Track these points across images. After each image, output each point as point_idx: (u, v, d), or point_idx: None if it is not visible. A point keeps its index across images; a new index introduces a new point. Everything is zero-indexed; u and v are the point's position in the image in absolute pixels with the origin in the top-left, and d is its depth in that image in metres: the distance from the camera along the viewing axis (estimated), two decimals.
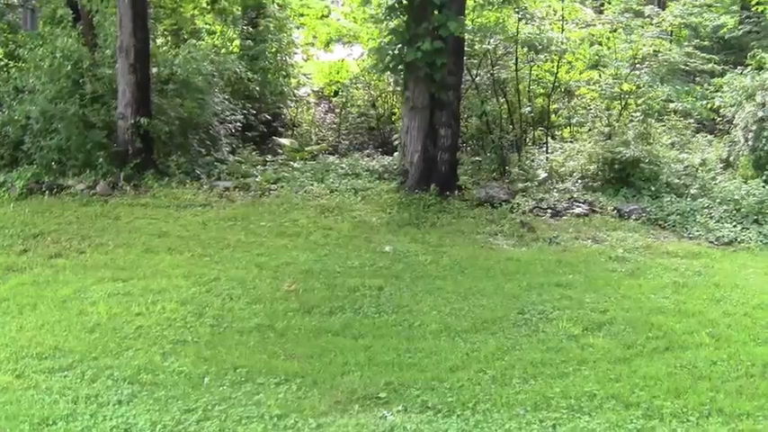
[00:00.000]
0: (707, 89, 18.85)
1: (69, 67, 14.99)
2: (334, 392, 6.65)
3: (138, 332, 7.92)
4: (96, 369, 6.98)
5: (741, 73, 17.37)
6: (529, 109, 17.94)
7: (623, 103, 17.19)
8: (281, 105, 22.10)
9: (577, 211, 14.01)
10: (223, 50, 19.50)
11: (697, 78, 20.53)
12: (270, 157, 18.19)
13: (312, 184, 15.23)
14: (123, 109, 14.95)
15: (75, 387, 6.63)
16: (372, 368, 7.17)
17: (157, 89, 16.13)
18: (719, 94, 17.77)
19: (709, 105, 17.89)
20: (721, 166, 16.70)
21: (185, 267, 10.09)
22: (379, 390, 6.70)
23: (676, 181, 15.13)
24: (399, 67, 15.24)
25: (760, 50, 17.69)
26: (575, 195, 14.81)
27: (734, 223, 13.38)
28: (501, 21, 17.16)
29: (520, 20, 16.86)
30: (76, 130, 14.61)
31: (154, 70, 15.96)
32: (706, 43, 21.30)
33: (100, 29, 16.00)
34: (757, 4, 20.38)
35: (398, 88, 18.93)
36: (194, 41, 18.75)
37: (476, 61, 17.56)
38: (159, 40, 19.62)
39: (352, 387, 6.73)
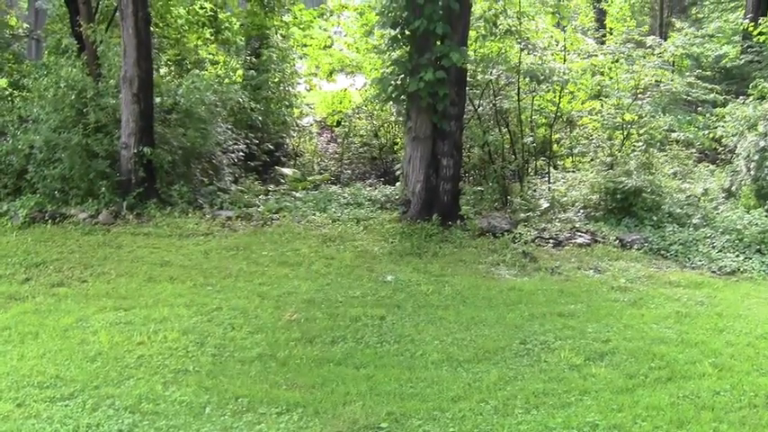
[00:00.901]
0: (709, 119, 18.91)
1: (73, 97, 15.06)
2: (336, 422, 6.64)
3: (139, 361, 7.91)
4: (97, 398, 6.97)
5: (743, 103, 17.42)
6: (531, 139, 17.97)
7: (625, 133, 17.23)
8: (284, 135, 22.16)
9: (579, 240, 14.01)
10: (226, 80, 19.57)
11: (699, 108, 20.59)
12: (272, 186, 18.22)
13: (314, 214, 15.24)
14: (126, 138, 14.99)
15: (77, 416, 6.62)
16: (374, 398, 7.16)
17: (160, 119, 16.19)
18: (721, 123, 17.82)
19: (711, 135, 17.94)
20: (723, 195, 16.69)
21: (187, 297, 10.09)
22: (380, 420, 6.68)
23: (678, 211, 15.12)
24: (402, 97, 15.29)
25: (762, 80, 17.73)
26: (577, 225, 14.81)
27: (736, 253, 13.38)
28: (503, 51, 17.23)
29: (522, 50, 16.92)
30: (80, 160, 14.65)
31: (157, 100, 16.02)
32: (708, 73, 21.42)
33: (104, 59, 16.08)
34: (759, 34, 20.47)
35: (401, 118, 18.97)
36: (197, 71, 18.83)
37: (478, 91, 17.61)
38: (163, 70, 19.72)
39: (353, 417, 6.72)
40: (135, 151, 14.88)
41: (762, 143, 15.60)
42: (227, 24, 21.13)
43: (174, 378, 7.52)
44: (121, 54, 15.18)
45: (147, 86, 15.18)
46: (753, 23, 20.80)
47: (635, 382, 7.70)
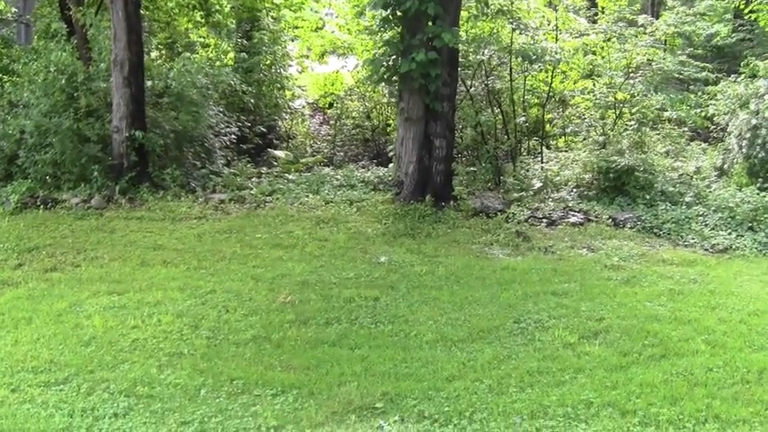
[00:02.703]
0: (701, 97, 18.91)
1: (63, 81, 14.99)
2: (331, 403, 6.65)
3: (133, 345, 7.92)
4: (92, 382, 6.98)
5: (734, 81, 17.44)
6: (523, 119, 17.96)
7: (618, 112, 17.24)
8: (276, 117, 22.14)
9: (572, 220, 14.02)
10: (217, 63, 19.52)
11: (691, 87, 20.59)
12: (265, 169, 18.22)
13: (307, 196, 15.22)
14: (118, 122, 14.95)
15: (72, 400, 6.63)
16: (369, 378, 7.17)
17: (152, 102, 16.15)
18: (713, 102, 17.83)
19: (703, 113, 17.94)
20: (716, 173, 16.74)
21: (181, 280, 10.09)
22: (375, 400, 6.70)
23: (671, 189, 15.14)
24: (394, 78, 15.27)
25: (753, 58, 17.75)
26: (570, 204, 14.83)
27: (729, 231, 13.41)
28: (495, 31, 17.19)
29: (514, 30, 16.89)
30: (71, 144, 14.60)
31: (148, 83, 15.97)
32: (699, 52, 21.43)
33: (94, 43, 16.01)
34: (750, 12, 20.45)
35: (393, 99, 18.96)
36: (189, 54, 18.75)
37: (470, 72, 17.58)
38: (153, 54, 19.66)
39: (348, 397, 6.73)
40: (127, 135, 14.84)
41: (753, 121, 15.62)
42: (217, 7, 21.04)
43: (168, 361, 7.52)
44: (112, 38, 15.10)
45: (137, 70, 15.13)
46: (744, 1, 20.78)
47: (629, 360, 7.73)
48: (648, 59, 17.54)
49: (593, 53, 18.27)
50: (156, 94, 16.43)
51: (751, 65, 17.27)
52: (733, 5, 23.22)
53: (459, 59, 15.67)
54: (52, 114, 14.75)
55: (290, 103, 22.91)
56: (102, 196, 14.24)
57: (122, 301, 9.25)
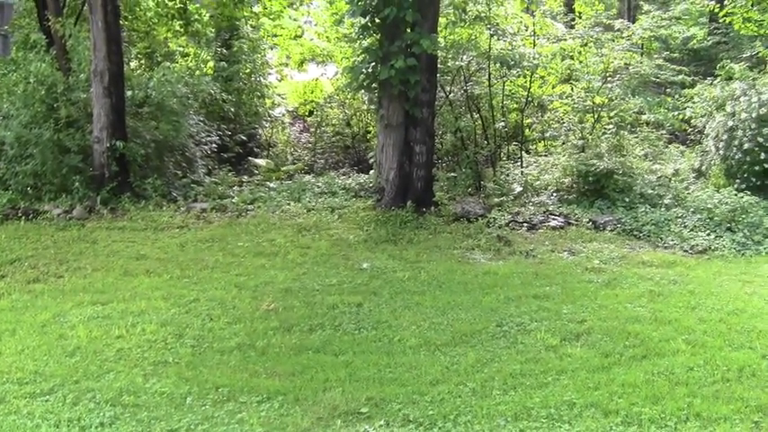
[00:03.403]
0: (678, 100, 19.09)
1: (43, 92, 14.99)
2: (316, 409, 6.68)
3: (118, 354, 7.92)
4: (78, 392, 6.97)
5: (711, 83, 17.62)
6: (503, 124, 18.07)
7: (596, 116, 17.36)
8: (256, 126, 22.17)
9: (553, 223, 14.11)
10: (197, 72, 19.54)
11: (668, 90, 20.78)
12: (246, 177, 18.24)
13: (289, 204, 15.25)
14: (98, 133, 14.95)
15: (57, 411, 6.62)
16: (353, 384, 7.20)
17: (132, 112, 16.16)
18: (690, 104, 18.00)
19: (680, 116, 18.12)
20: (694, 175, 16.89)
21: (164, 289, 10.09)
22: (360, 405, 6.73)
23: (650, 191, 15.26)
24: (373, 85, 15.33)
25: (728, 61, 17.93)
26: (550, 208, 14.93)
27: (707, 231, 13.54)
28: (473, 37, 17.30)
29: (492, 36, 17.00)
30: (52, 155, 14.60)
31: (128, 93, 15.98)
32: (676, 55, 21.62)
33: (73, 53, 16.01)
34: (725, 15, 20.65)
35: (373, 106, 19.01)
36: (168, 64, 18.78)
37: (449, 78, 17.68)
38: (133, 63, 19.67)
39: (333, 403, 6.76)
40: (107, 145, 14.85)
41: (730, 123, 15.78)
42: (196, 16, 21.08)
43: (153, 370, 7.53)
44: (91, 48, 15.11)
45: (117, 80, 15.14)
46: (719, 5, 21.02)
47: (610, 361, 7.79)
48: (625, 63, 17.68)
49: (571, 58, 18.39)
50: (136, 104, 16.43)
51: (726, 67, 17.46)
52: (708, 9, 23.45)
53: (438, 65, 15.75)
54: (32, 125, 14.75)
55: (270, 112, 22.96)
56: (84, 207, 14.23)
57: (106, 311, 9.24)
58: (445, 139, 18.32)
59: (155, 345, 8.19)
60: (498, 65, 16.92)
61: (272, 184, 17.14)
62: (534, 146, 19.67)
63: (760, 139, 15.13)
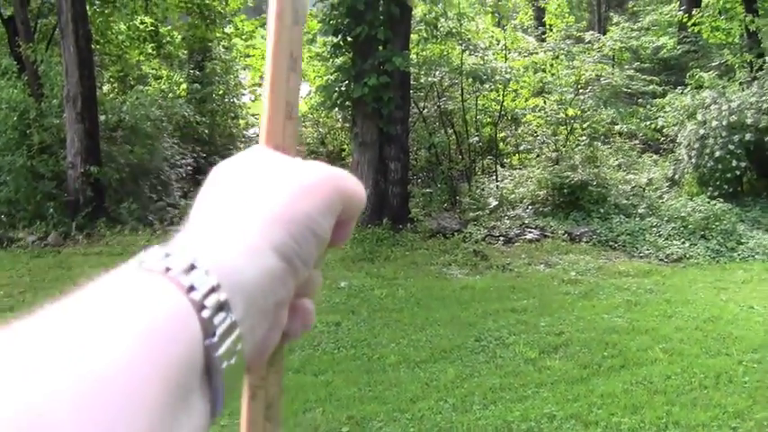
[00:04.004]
0: (650, 110, 19.24)
1: (16, 119, 14.94)
2: (298, 430, 6.68)
3: None
4: None
5: (681, 93, 17.77)
6: (477, 138, 18.14)
7: (569, 128, 17.46)
8: (231, 147, 22.11)
9: (529, 236, 14.17)
10: (170, 95, 19.53)
11: (639, 100, 20.92)
12: None
13: None
14: (72, 158, 14.90)
15: None
16: (334, 403, 7.21)
17: (106, 137, 16.11)
18: (662, 114, 18.15)
19: (652, 126, 18.26)
20: (667, 184, 17.01)
21: None
22: (341, 424, 6.73)
23: (624, 202, 15.36)
24: (347, 103, 15.37)
25: (698, 70, 18.10)
26: (526, 221, 14.99)
27: (682, 240, 13.64)
28: (445, 53, 17.37)
29: (464, 51, 17.07)
30: (25, 182, 14.54)
31: (102, 118, 15.93)
32: (647, 65, 21.79)
33: (45, 79, 15.96)
34: (693, 25, 20.86)
35: (347, 124, 19.05)
36: (141, 87, 18.77)
37: (422, 94, 17.74)
38: (106, 87, 19.63)
39: (314, 423, 6.77)
40: (82, 171, 14.79)
41: (701, 131, 15.91)
42: (168, 38, 21.09)
43: None
44: (63, 73, 15.07)
45: (90, 105, 15.09)
46: (687, 15, 21.21)
47: (589, 372, 7.84)
48: (597, 75, 17.80)
49: (543, 71, 18.52)
50: (109, 128, 16.39)
51: (696, 76, 17.63)
52: (677, 19, 23.67)
53: (411, 82, 15.83)
54: (5, 152, 14.69)
55: (245, 132, 22.94)
56: (59, 233, 14.15)
57: None
58: (420, 156, 18.37)
59: None
60: (471, 80, 17.00)
61: None
62: (509, 159, 19.75)
63: (731, 147, 15.27)
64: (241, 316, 0.63)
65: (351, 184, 0.83)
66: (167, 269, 0.61)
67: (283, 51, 0.85)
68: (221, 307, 0.61)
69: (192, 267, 0.62)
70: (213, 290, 0.61)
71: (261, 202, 0.72)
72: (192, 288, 0.60)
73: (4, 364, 0.50)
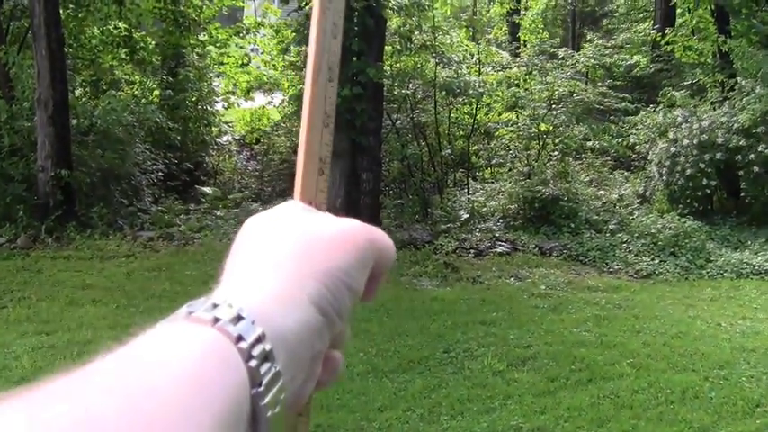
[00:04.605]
0: (622, 127, 19.37)
1: None
2: None
3: None
4: None
5: (654, 110, 17.91)
6: (449, 151, 18.21)
7: (541, 143, 17.54)
8: (203, 154, 22.09)
9: (500, 249, 14.21)
10: (143, 100, 19.44)
11: (612, 117, 21.05)
12: (193, 205, 18.14)
13: (236, 232, 14.90)
14: (43, 161, 14.79)
15: None
16: None
17: (77, 141, 15.99)
18: (634, 131, 18.29)
19: (624, 143, 18.39)
20: (638, 201, 17.13)
21: (110, 319, 10.01)
22: None
23: (595, 217, 15.46)
24: None
25: (671, 88, 18.26)
26: (497, 235, 15.03)
27: (652, 256, 13.72)
28: (419, 66, 17.43)
29: (437, 64, 17.14)
30: None
31: (73, 122, 15.82)
32: (619, 82, 21.96)
33: (17, 81, 15.85)
34: (666, 44, 21.05)
35: None
36: (114, 92, 18.68)
37: (395, 106, 17.78)
38: (78, 92, 19.49)
39: None
40: (52, 174, 14.68)
41: (672, 149, 16.04)
42: (142, 44, 20.98)
43: None
44: (35, 76, 14.96)
45: (62, 108, 14.99)
46: (661, 34, 21.40)
47: (557, 385, 7.87)
48: (570, 91, 17.91)
49: (516, 86, 18.63)
50: (81, 132, 16.28)
51: (668, 95, 17.77)
52: (650, 38, 23.87)
53: (385, 94, 15.86)
54: None
55: (217, 140, 22.89)
56: (28, 236, 14.03)
57: (51, 341, 9.14)
58: (392, 167, 18.40)
59: None
60: (444, 93, 17.07)
61: (219, 213, 17.07)
62: (481, 173, 19.82)
63: (701, 165, 15.40)
64: (283, 366, 0.66)
65: (383, 240, 0.85)
66: (216, 319, 0.64)
67: (318, 109, 0.88)
68: (267, 357, 0.64)
69: (240, 318, 0.65)
70: (259, 340, 0.64)
71: (298, 256, 0.75)
72: (240, 338, 0.63)
73: (68, 409, 0.52)
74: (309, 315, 0.70)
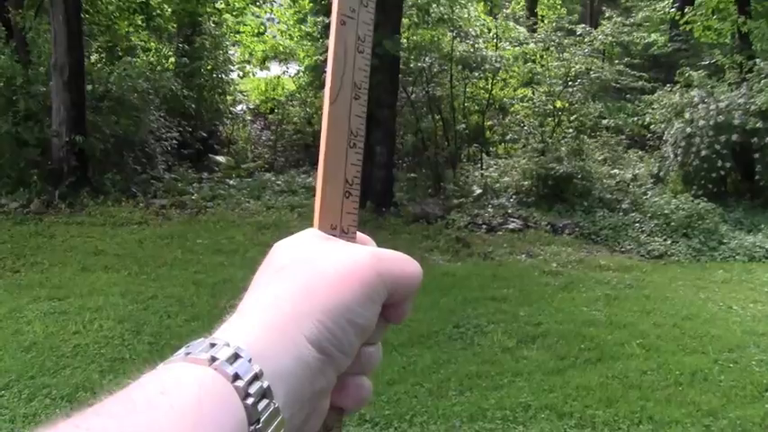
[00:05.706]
0: (638, 106, 19.28)
1: (2, 85, 14.82)
2: None
3: (75, 351, 7.86)
4: (33, 388, 6.92)
5: (670, 90, 17.80)
6: (464, 126, 18.14)
7: (556, 120, 17.49)
8: (217, 123, 22.08)
9: (512, 226, 14.20)
10: (158, 68, 19.42)
11: (628, 95, 20.97)
12: (206, 174, 18.17)
13: (248, 202, 15.23)
14: (58, 127, 14.81)
15: (13, 406, 6.58)
16: None
17: (92, 107, 16.00)
18: (650, 110, 18.19)
19: (639, 122, 18.32)
20: (652, 181, 17.07)
21: (122, 285, 10.04)
22: None
23: (608, 196, 15.42)
24: None
25: (688, 68, 18.13)
26: (509, 211, 15.01)
27: (664, 237, 13.70)
28: (436, 39, 17.36)
29: (454, 38, 17.07)
30: (9, 148, 14.46)
31: (88, 87, 15.83)
32: (637, 61, 21.82)
33: (33, 46, 15.85)
34: (685, 23, 20.89)
35: None
36: (129, 59, 18.65)
37: (411, 79, 17.72)
38: (93, 57, 19.47)
39: None
40: (66, 140, 14.70)
41: (688, 130, 15.96)
42: (158, 11, 20.92)
43: (110, 367, 7.49)
44: (52, 41, 14.95)
45: (77, 74, 14.99)
46: (680, 12, 21.23)
47: (566, 364, 7.87)
48: (587, 68, 17.83)
49: (533, 61, 18.53)
50: (96, 98, 16.28)
51: (686, 75, 17.65)
52: (669, 16, 23.69)
53: (401, 66, 15.80)
54: None
55: (232, 109, 22.87)
56: (42, 201, 14.08)
57: (63, 307, 9.18)
58: (406, 140, 18.37)
59: (112, 341, 8.15)
60: (460, 67, 17.01)
61: (231, 182, 17.10)
62: (494, 148, 19.78)
63: (717, 147, 15.34)
64: (283, 403, 0.67)
65: (397, 267, 0.83)
66: (213, 359, 0.67)
67: (340, 130, 0.85)
68: (264, 394, 0.66)
69: (237, 357, 0.67)
70: (257, 377, 0.66)
71: (299, 294, 0.75)
72: (237, 377, 0.65)
73: None
74: (306, 353, 0.71)
